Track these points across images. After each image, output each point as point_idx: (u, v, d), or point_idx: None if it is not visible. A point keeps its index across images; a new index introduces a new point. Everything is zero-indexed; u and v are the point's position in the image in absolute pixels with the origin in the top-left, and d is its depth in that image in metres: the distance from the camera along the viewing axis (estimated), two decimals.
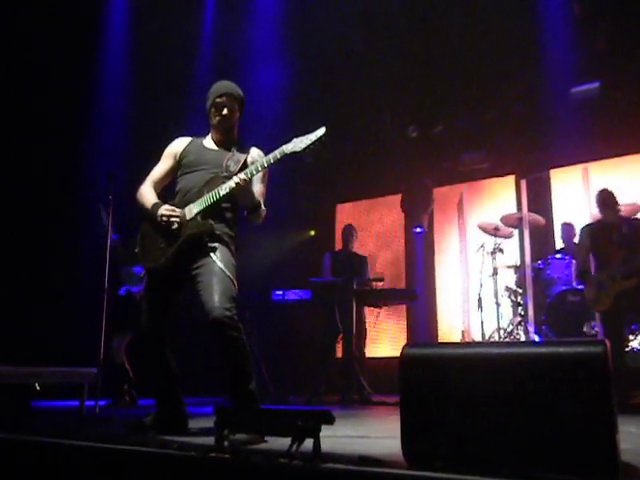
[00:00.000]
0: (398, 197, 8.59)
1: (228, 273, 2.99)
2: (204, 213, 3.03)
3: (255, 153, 3.26)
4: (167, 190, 3.37)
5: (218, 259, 3.00)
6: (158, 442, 2.38)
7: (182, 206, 3.10)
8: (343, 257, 6.85)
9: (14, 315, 6.40)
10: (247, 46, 7.90)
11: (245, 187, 2.99)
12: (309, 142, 2.91)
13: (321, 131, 2.92)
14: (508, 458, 1.74)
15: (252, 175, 3.01)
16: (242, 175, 2.97)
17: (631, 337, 5.19)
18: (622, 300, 4.63)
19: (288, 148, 2.95)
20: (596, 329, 5.64)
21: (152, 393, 3.24)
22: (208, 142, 3.33)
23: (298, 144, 2.93)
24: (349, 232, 6.99)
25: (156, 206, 3.11)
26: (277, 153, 2.97)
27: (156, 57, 7.49)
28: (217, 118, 3.26)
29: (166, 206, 3.09)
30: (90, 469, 2.32)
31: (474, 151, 8.11)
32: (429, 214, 8.37)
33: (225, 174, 3.09)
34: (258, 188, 3.20)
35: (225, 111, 3.23)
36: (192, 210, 3.06)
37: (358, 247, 7.24)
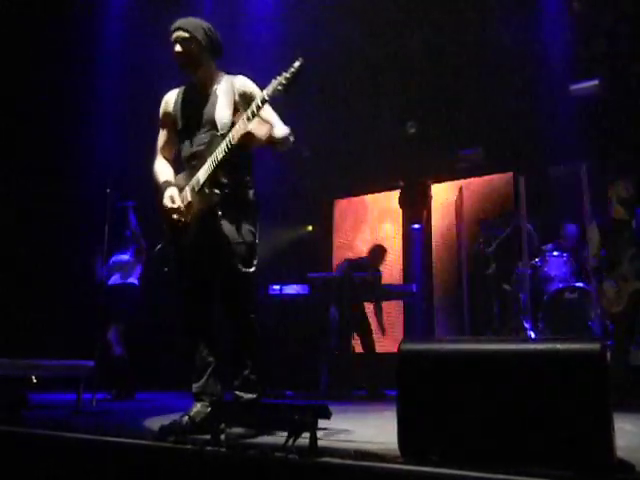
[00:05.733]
0: (396, 193, 8.59)
1: (243, 245, 2.89)
2: (210, 182, 2.88)
3: (239, 84, 3.03)
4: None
5: (230, 235, 2.88)
6: (155, 435, 2.38)
7: (190, 175, 2.97)
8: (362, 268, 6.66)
9: (10, 308, 6.39)
10: (243, 39, 7.87)
11: (243, 139, 2.77)
12: (289, 78, 2.69)
13: (297, 63, 2.71)
14: (504, 453, 1.74)
15: (226, 152, 2.81)
16: (232, 132, 2.79)
17: None
18: (634, 299, 4.56)
19: (268, 93, 2.74)
20: (593, 327, 5.65)
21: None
22: (192, 91, 3.12)
23: (277, 86, 2.71)
24: (382, 252, 6.90)
25: (164, 185, 3.00)
26: (259, 101, 2.75)
27: (154, 49, 7.46)
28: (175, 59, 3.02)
29: (170, 192, 2.96)
30: (86, 462, 2.32)
31: (473, 147, 8.10)
32: (427, 210, 8.37)
33: (222, 132, 2.91)
34: (268, 118, 2.94)
35: (177, 47, 2.98)
36: (199, 180, 2.91)
37: (358, 243, 7.26)
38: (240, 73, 3.12)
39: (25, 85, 6.91)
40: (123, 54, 7.87)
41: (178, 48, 2.98)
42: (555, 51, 7.05)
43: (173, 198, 2.94)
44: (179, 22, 3.00)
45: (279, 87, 2.70)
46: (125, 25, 7.99)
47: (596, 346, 1.72)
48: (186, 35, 2.96)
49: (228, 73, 3.12)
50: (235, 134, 2.79)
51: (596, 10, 6.88)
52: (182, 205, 2.93)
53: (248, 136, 2.77)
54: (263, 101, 2.75)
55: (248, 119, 2.76)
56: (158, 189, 3.04)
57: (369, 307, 6.66)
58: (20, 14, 6.83)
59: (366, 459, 1.83)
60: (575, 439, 1.66)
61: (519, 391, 1.76)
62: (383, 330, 6.46)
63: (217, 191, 2.87)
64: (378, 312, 6.49)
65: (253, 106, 2.76)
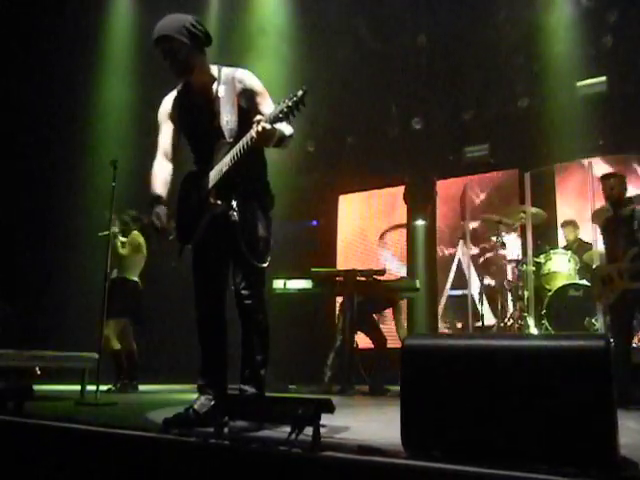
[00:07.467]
0: (401, 189, 8.58)
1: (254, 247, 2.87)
2: (217, 189, 2.84)
3: (239, 80, 2.93)
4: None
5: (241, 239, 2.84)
6: (158, 427, 2.39)
7: (203, 174, 2.92)
8: None
9: (16, 299, 6.42)
10: (251, 35, 7.86)
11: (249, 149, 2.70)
12: (290, 107, 2.56)
13: (300, 92, 2.56)
14: (507, 450, 1.74)
15: (243, 151, 2.73)
16: (239, 145, 2.73)
17: None
18: (628, 297, 4.54)
19: (268, 120, 2.61)
20: (596, 324, 5.65)
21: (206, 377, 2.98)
22: (191, 94, 3.02)
23: (277, 114, 2.60)
24: None
25: (154, 201, 2.96)
26: (253, 133, 2.64)
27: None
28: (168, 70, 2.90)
29: (160, 210, 2.93)
30: (90, 454, 2.33)
31: (478, 144, 8.08)
32: (432, 206, 8.36)
33: (230, 140, 2.85)
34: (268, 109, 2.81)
35: (167, 62, 2.87)
36: (209, 183, 2.88)
37: (360, 240, 7.26)
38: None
39: (24, 83, 6.93)
40: (124, 52, 7.89)
41: (168, 62, 2.87)
42: (562, 48, 7.02)
43: (159, 215, 2.91)
44: (159, 30, 2.84)
45: (280, 115, 2.61)
46: (129, 20, 8.01)
47: (600, 343, 1.72)
48: (171, 44, 2.83)
49: (224, 65, 3.04)
50: (252, 135, 2.66)
51: (603, 7, 6.86)
52: (165, 225, 2.92)
53: (266, 133, 2.64)
54: (261, 131, 2.61)
55: (248, 147, 2.70)
56: (151, 199, 2.99)
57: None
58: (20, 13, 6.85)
59: (369, 454, 1.83)
60: (579, 435, 1.66)
61: (523, 388, 1.76)
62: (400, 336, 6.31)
63: (220, 202, 2.83)
64: (396, 315, 6.45)
65: (253, 132, 2.64)
